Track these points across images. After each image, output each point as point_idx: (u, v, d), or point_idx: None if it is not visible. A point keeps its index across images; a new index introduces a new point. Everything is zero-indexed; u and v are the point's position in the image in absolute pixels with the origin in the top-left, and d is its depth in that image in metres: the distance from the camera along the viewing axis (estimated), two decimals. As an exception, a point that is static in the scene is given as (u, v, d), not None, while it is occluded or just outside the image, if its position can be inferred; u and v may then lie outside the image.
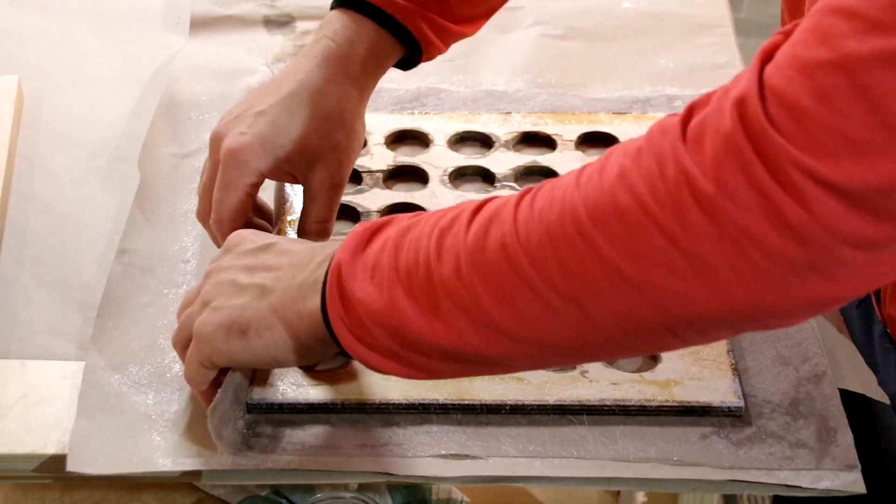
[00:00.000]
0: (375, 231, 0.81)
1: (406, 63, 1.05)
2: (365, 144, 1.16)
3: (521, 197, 0.76)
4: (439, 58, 1.27)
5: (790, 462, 0.88)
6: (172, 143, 1.16)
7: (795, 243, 0.67)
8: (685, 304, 0.71)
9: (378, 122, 1.17)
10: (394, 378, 0.92)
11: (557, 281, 0.72)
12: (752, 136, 0.67)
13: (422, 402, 0.91)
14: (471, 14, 1.06)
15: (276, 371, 0.93)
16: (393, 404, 0.91)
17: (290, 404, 0.91)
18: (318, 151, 0.98)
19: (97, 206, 1.11)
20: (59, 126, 1.20)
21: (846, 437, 0.90)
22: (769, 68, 0.69)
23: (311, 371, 0.93)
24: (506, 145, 1.16)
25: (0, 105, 1.17)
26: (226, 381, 0.88)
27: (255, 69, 1.25)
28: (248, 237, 0.89)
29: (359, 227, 0.82)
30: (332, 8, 1.03)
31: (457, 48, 1.28)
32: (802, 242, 0.67)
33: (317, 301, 0.82)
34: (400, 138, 1.17)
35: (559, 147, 1.16)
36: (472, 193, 1.11)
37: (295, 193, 1.08)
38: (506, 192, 1.10)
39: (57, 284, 1.03)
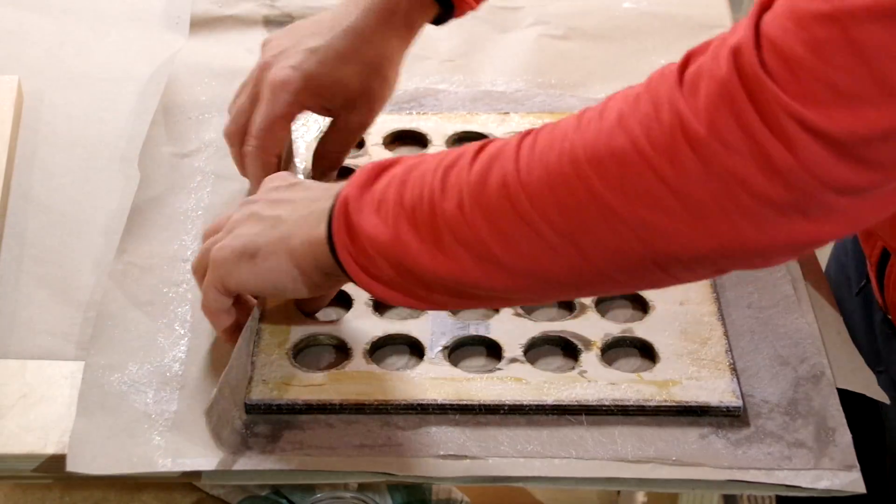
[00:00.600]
0: (383, 169, 0.85)
1: (438, 19, 1.09)
2: (363, 145, 1.16)
3: (523, 137, 0.79)
4: (439, 58, 1.27)
5: (789, 462, 0.89)
6: (172, 143, 1.16)
7: (781, 186, 0.70)
8: (673, 241, 0.74)
9: (376, 122, 1.17)
10: (394, 378, 0.93)
11: (554, 218, 0.76)
12: (746, 83, 0.69)
13: (420, 402, 0.91)
14: None
15: (276, 371, 0.93)
16: (392, 404, 0.91)
17: (289, 404, 0.91)
18: (354, 95, 1.06)
19: (97, 206, 1.11)
20: (59, 126, 1.20)
21: (845, 437, 0.90)
22: (766, 17, 0.71)
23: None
24: (505, 145, 1.16)
25: (0, 105, 1.17)
26: (221, 382, 0.88)
27: (255, 69, 1.25)
28: (282, 176, 0.94)
29: (367, 164, 0.86)
30: None
31: (457, 48, 1.29)
32: (788, 185, 0.70)
33: (322, 229, 0.86)
34: (398, 138, 1.17)
35: (558, 147, 1.16)
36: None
37: None
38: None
39: (57, 284, 1.03)
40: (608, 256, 0.76)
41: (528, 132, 0.79)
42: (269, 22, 1.32)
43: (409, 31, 1.07)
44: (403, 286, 0.83)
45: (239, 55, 1.27)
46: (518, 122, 1.18)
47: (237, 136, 1.06)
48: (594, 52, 1.29)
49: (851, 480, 0.88)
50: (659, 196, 0.72)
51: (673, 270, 0.77)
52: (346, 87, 1.05)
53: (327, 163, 1.09)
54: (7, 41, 1.30)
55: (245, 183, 1.12)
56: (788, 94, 0.69)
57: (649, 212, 0.73)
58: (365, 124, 1.08)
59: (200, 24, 1.31)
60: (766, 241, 0.73)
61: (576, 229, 0.76)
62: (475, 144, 0.81)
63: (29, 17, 1.33)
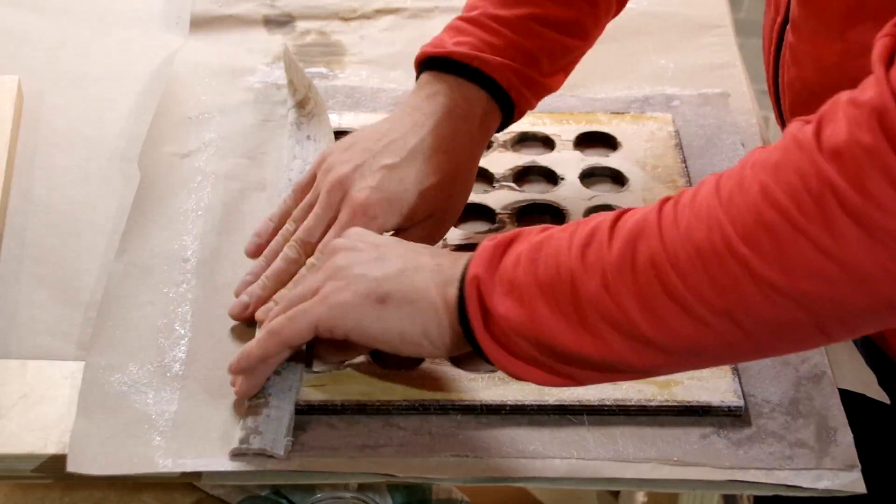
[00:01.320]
0: (506, 246, 0.84)
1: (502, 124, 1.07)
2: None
3: (661, 209, 0.78)
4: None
5: (790, 462, 0.89)
6: (172, 143, 1.16)
7: None
8: (838, 307, 0.74)
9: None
10: (395, 378, 0.93)
11: (710, 297, 0.75)
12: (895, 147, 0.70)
13: (421, 402, 0.91)
14: (554, 68, 1.07)
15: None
16: (393, 405, 0.91)
17: (290, 404, 0.91)
18: (434, 208, 1.01)
19: (97, 206, 1.11)
20: (59, 126, 1.20)
21: (846, 437, 0.90)
22: (894, 76, 0.71)
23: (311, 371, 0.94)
24: (504, 145, 1.16)
25: (0, 105, 1.17)
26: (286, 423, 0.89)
27: (255, 69, 1.25)
28: (366, 231, 0.93)
29: (487, 241, 0.85)
30: (424, 69, 1.04)
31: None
32: None
33: (454, 297, 0.84)
34: (399, 138, 1.17)
35: (557, 147, 1.16)
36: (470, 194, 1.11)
37: None
38: (504, 192, 1.11)
39: (57, 284, 1.03)
40: (768, 328, 0.76)
41: (665, 202, 0.79)
42: (269, 22, 1.31)
43: (483, 137, 1.04)
44: (545, 364, 0.82)
45: (239, 55, 1.27)
46: (518, 122, 1.17)
47: (306, 248, 0.99)
48: (594, 52, 1.28)
49: (852, 480, 0.88)
50: (820, 267, 0.73)
51: (834, 332, 0.77)
52: (427, 203, 1.00)
53: None
54: (7, 41, 1.30)
55: (243, 183, 1.12)
56: None
57: (811, 283, 0.73)
58: (437, 237, 1.03)
59: (200, 23, 1.31)
60: None
61: (733, 307, 0.75)
62: (606, 218, 0.81)
63: (29, 17, 1.33)
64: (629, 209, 0.81)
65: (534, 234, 0.84)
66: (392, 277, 0.87)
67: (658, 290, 0.77)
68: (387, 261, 0.88)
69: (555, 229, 0.84)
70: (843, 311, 0.75)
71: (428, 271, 0.87)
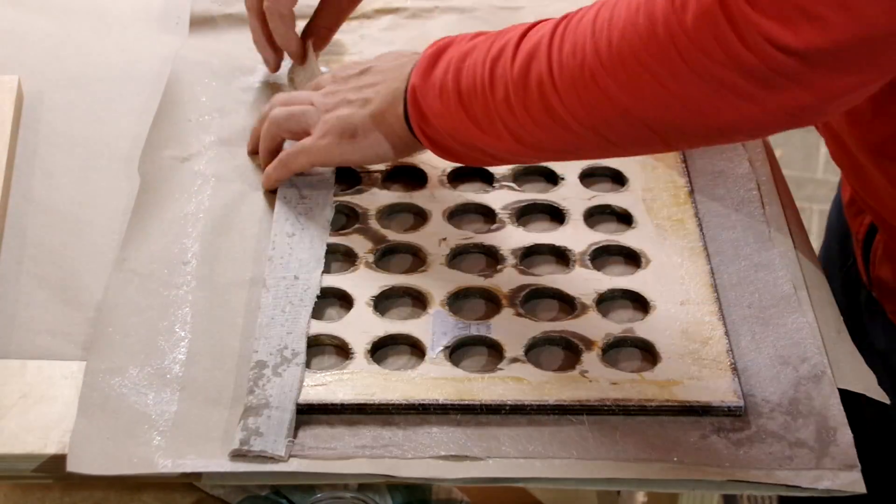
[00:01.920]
0: (441, 52, 1.00)
1: None
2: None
3: (553, 35, 0.92)
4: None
5: (790, 462, 0.89)
6: (172, 147, 1.16)
7: (760, 87, 0.84)
8: (679, 129, 0.90)
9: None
10: (393, 379, 0.93)
11: (581, 116, 0.91)
12: (727, 10, 0.82)
13: (421, 402, 0.91)
14: None
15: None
16: (392, 405, 0.91)
17: (290, 404, 0.91)
18: None
19: (97, 206, 1.11)
20: (59, 126, 1.19)
21: (846, 437, 0.90)
22: None
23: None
24: (505, 145, 1.16)
25: (0, 105, 1.17)
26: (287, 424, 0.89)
27: (254, 68, 1.25)
28: (349, 66, 1.11)
29: (428, 49, 1.01)
30: None
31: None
32: (766, 86, 0.84)
33: (401, 110, 1.02)
34: (399, 138, 1.17)
35: (559, 147, 1.16)
36: (470, 193, 1.11)
37: None
38: (504, 192, 1.11)
39: (57, 284, 1.03)
40: (627, 140, 0.92)
41: (557, 26, 0.92)
42: (269, 21, 1.31)
43: None
44: (470, 156, 1.01)
45: (239, 54, 1.27)
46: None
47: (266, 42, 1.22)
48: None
49: (852, 480, 0.88)
50: (662, 97, 0.87)
51: (677, 146, 1.01)
52: None
53: (318, 39, 1.22)
54: (7, 41, 1.29)
55: (243, 184, 1.12)
56: (764, 16, 0.81)
57: (656, 109, 0.88)
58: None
59: (200, 23, 1.31)
60: (755, 116, 0.86)
61: (599, 124, 0.91)
62: (516, 33, 0.95)
63: (29, 17, 1.32)
64: (540, 22, 0.95)
65: (464, 41, 0.99)
66: (356, 113, 1.05)
67: (545, 107, 0.92)
68: (358, 98, 1.06)
69: (479, 38, 0.99)
70: (684, 132, 0.91)
71: (383, 94, 1.03)
